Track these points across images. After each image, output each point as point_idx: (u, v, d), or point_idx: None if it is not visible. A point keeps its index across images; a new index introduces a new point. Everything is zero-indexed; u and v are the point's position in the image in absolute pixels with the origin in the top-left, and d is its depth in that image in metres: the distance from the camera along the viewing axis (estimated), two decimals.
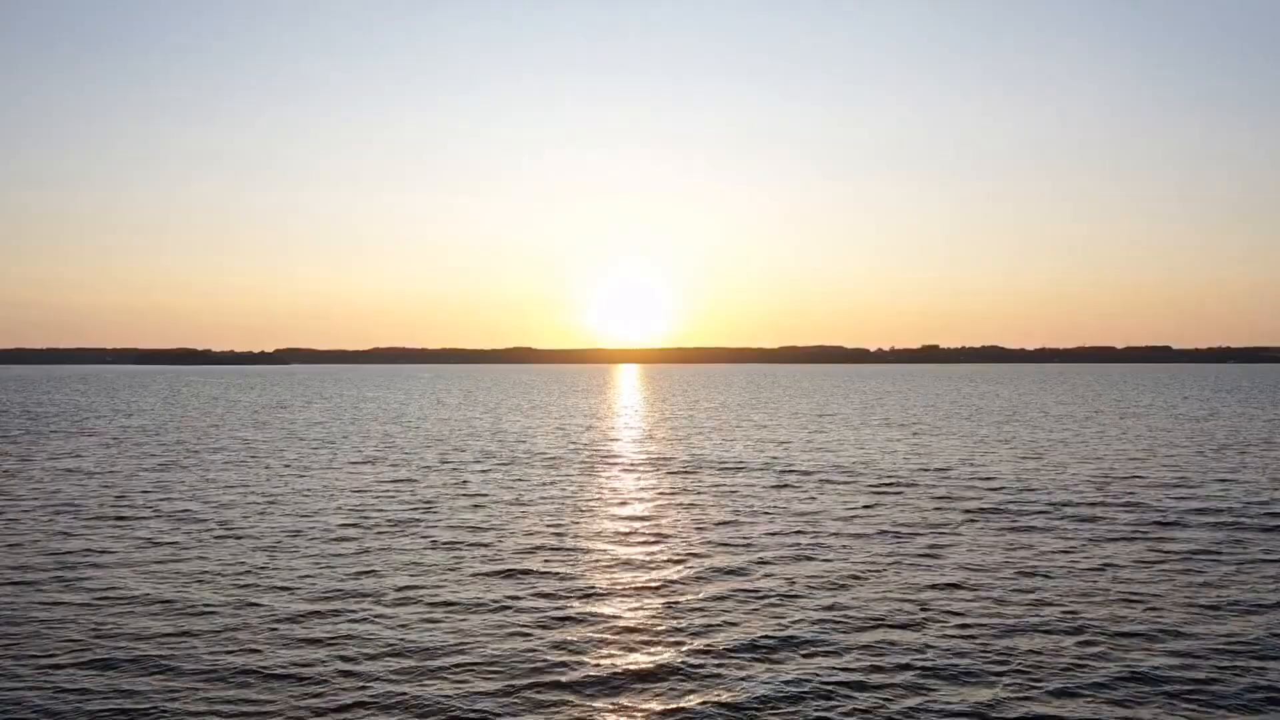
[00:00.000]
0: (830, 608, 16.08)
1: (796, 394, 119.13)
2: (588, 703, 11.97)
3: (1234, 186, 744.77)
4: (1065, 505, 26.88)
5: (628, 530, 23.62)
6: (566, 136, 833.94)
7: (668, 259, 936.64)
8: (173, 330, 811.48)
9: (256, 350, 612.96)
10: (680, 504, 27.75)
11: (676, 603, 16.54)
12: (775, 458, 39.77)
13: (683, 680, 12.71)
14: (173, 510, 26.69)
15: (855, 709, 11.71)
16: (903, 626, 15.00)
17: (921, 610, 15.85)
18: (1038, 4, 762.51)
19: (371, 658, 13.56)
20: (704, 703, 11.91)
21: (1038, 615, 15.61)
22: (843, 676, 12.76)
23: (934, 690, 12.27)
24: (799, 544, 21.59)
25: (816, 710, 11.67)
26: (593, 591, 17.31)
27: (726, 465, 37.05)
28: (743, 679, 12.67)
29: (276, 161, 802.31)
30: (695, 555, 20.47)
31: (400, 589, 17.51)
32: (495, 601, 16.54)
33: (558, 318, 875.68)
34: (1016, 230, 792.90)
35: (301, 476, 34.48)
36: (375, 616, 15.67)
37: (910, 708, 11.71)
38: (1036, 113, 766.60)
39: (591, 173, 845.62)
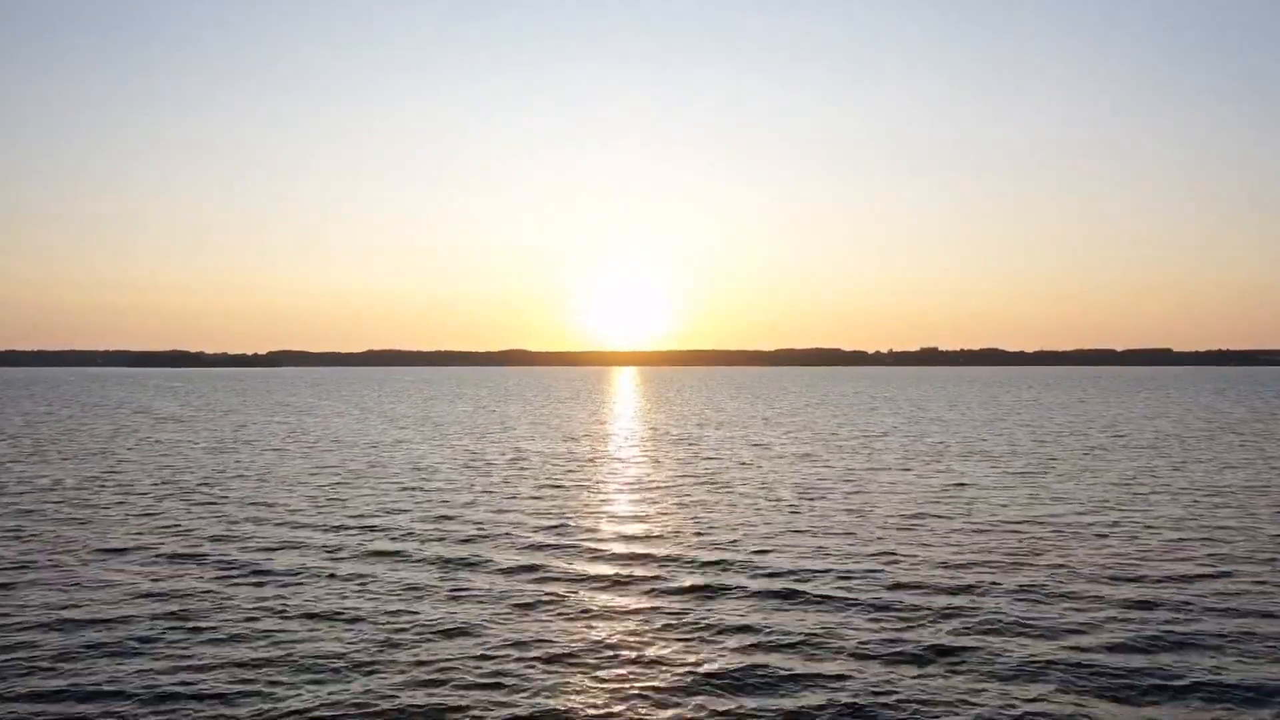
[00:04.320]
0: None
1: (812, 403, 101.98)
2: None
3: (1234, 187, 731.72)
4: None
5: None
6: (563, 135, 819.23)
7: (665, 260, 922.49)
8: (165, 331, 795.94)
9: (249, 353, 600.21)
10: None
11: None
12: (857, 550, 22.74)
13: None
14: None
15: None
16: None
17: None
18: (1038, 3, 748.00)
19: None
20: None
21: None
22: None
23: None
24: None
25: None
26: None
27: (786, 579, 19.96)
28: None
29: (271, 162, 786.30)
30: None
31: None
32: None
33: (553, 319, 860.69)
34: (1016, 231, 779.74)
35: None
36: None
37: None
38: (1037, 113, 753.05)
39: (589, 172, 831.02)
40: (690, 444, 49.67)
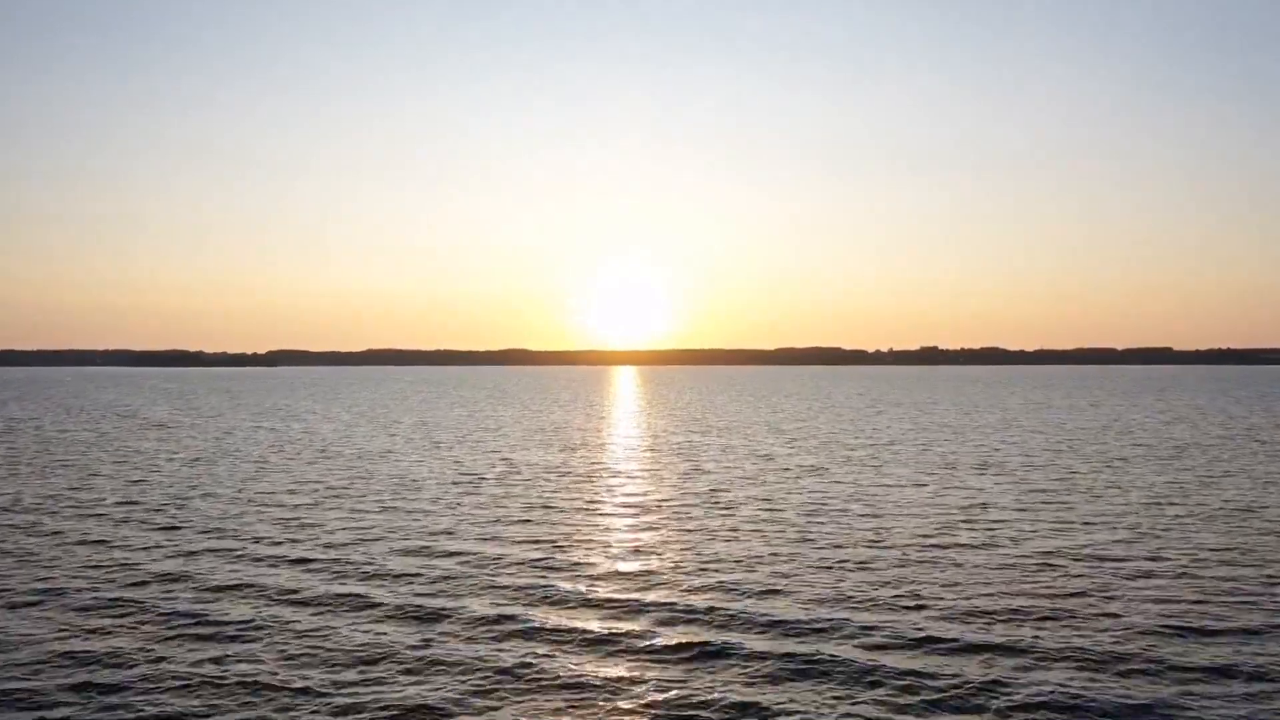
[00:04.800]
0: None
1: (815, 406, 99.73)
2: None
3: (1234, 187, 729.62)
4: None
5: None
6: (563, 135, 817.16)
7: (665, 260, 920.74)
8: (165, 331, 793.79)
9: (249, 352, 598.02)
10: None
11: None
12: (878, 594, 20.40)
13: None
14: None
15: None
16: None
17: None
18: (1038, 3, 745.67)
19: None
20: None
21: None
22: None
23: None
24: None
25: None
26: None
27: (800, 636, 17.70)
28: None
29: (271, 162, 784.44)
30: None
31: None
32: None
33: (553, 319, 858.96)
34: (1017, 230, 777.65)
35: None
36: None
37: None
38: (1037, 113, 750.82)
39: (589, 172, 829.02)
40: (691, 455, 47.41)
